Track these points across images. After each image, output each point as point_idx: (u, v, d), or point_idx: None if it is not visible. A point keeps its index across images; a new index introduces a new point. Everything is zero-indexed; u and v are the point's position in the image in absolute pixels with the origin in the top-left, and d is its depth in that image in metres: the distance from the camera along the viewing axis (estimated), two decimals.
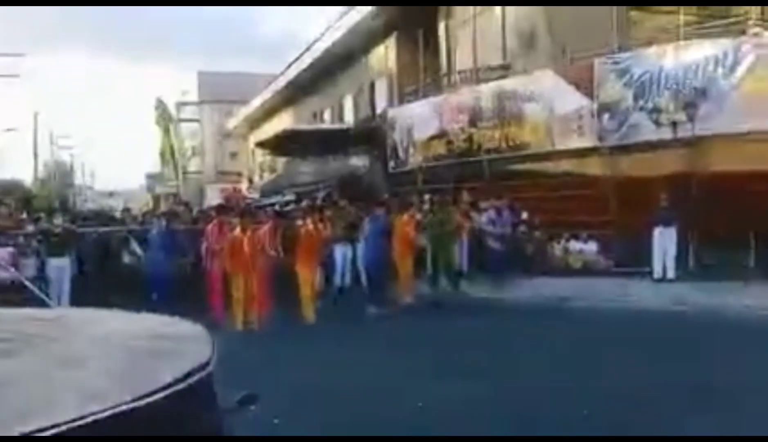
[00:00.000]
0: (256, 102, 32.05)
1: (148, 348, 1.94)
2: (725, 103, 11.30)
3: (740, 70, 11.28)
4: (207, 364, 1.85)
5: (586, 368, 6.02)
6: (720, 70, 11.49)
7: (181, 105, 45.51)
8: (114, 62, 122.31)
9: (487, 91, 15.58)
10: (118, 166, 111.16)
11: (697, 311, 8.74)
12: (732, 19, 12.61)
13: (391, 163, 18.43)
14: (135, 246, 10.37)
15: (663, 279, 10.97)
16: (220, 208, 10.16)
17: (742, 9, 12.80)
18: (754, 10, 12.34)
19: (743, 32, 11.55)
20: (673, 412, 4.60)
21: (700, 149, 11.36)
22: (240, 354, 6.85)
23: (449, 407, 4.87)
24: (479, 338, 7.60)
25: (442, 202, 11.59)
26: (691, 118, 11.32)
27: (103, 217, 15.16)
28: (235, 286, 8.40)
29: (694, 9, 13.57)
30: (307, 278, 9.12)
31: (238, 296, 8.39)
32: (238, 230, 8.61)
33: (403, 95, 19.02)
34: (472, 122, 15.91)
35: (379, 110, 20.95)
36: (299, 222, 11.53)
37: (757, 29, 11.45)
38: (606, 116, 13.00)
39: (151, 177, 46.43)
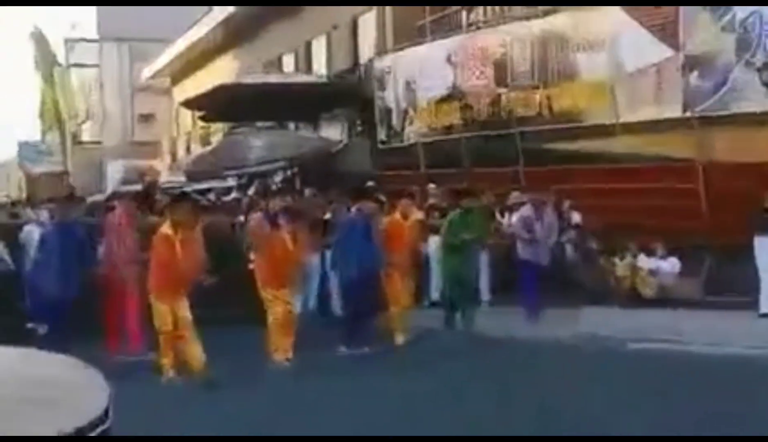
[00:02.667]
0: (183, 42, 32.00)
1: (28, 397, 2.06)
2: None
3: None
4: (102, 419, 1.98)
5: None
6: None
7: (71, 43, 45.32)
8: None
9: (523, 33, 15.68)
10: None
11: None
12: None
13: (381, 136, 18.48)
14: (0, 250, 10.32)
15: None
16: (138, 197, 10.13)
17: None
18: None
19: None
20: None
21: None
22: (157, 409, 6.93)
23: None
24: (492, 399, 7.57)
25: (464, 195, 11.62)
26: None
27: None
28: (159, 315, 8.26)
29: None
30: (276, 301, 9.13)
31: (166, 328, 8.26)
32: (167, 229, 8.31)
33: (399, 36, 19.08)
34: (501, 79, 16.00)
35: (364, 59, 20.98)
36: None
37: None
38: (696, 74, 13.15)
39: (26, 147, 46.12)
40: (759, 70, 12.28)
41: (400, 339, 10.25)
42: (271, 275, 9.22)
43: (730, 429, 6.39)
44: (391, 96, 18.29)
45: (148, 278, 8.54)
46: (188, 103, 24.19)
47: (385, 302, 10.50)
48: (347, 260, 9.84)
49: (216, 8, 27.95)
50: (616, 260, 13.00)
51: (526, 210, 11.95)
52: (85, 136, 46.28)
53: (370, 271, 9.89)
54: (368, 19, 21.36)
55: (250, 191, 17.71)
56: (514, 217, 13.06)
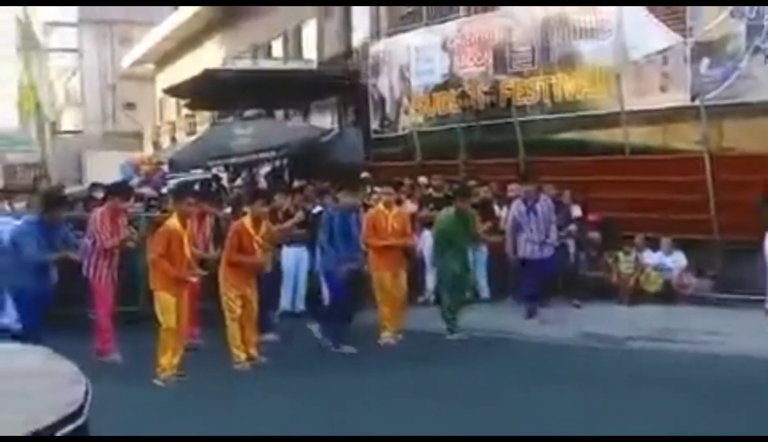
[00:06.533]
0: (167, 26, 31.94)
1: (4, 389, 2.16)
2: None
3: None
4: (79, 413, 2.01)
5: None
6: None
7: (50, 26, 45.22)
8: None
9: (523, 17, 15.76)
10: None
11: None
12: None
13: (375, 125, 18.53)
14: None
15: None
16: (117, 190, 10.10)
17: None
18: None
19: None
20: None
21: None
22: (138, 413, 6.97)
23: None
24: (495, 401, 7.63)
25: (460, 188, 11.59)
26: None
27: None
28: (165, 309, 8.40)
29: None
30: (235, 300, 9.12)
31: (172, 323, 8.39)
32: (174, 223, 8.64)
33: (394, 20, 19.12)
34: (500, 65, 16.06)
35: (357, 43, 20.98)
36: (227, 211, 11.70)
37: None
38: (705, 62, 13.25)
39: (2, 136, 45.99)
40: None
41: (388, 338, 10.23)
42: (234, 269, 9.19)
43: (735, 430, 6.42)
44: (384, 83, 18.31)
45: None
46: (173, 91, 24.04)
47: (373, 299, 10.49)
48: (329, 256, 9.82)
49: None
50: (620, 255, 13.00)
51: (516, 206, 11.82)
52: (65, 125, 46.19)
53: (352, 267, 9.85)
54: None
55: (237, 182, 17.69)
56: (513, 211, 13.08)
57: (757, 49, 12.60)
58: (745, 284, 11.93)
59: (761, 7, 12.59)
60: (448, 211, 10.98)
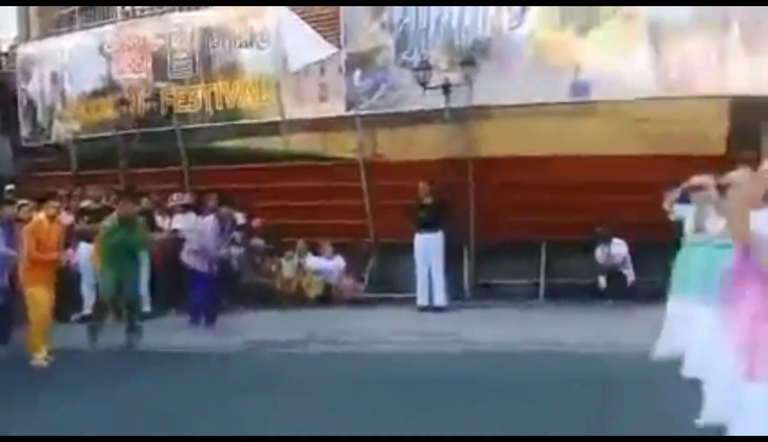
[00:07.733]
0: None
1: None
2: (513, 61, 12.69)
3: (531, 19, 12.75)
4: None
5: None
6: (506, 15, 12.87)
7: None
8: None
9: (183, 24, 15.61)
10: None
11: (471, 350, 9.54)
12: None
13: (25, 133, 17.47)
14: None
15: (429, 307, 11.91)
16: None
17: None
18: None
19: None
20: None
21: (478, 124, 12.62)
22: None
23: None
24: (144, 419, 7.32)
25: (122, 198, 11.17)
26: (468, 81, 12.47)
27: None
28: None
29: None
30: None
31: None
32: None
33: (47, 23, 18.28)
34: (160, 73, 15.79)
35: (4, 46, 19.77)
36: None
37: None
38: (358, 73, 13.86)
39: None
40: (416, 69, 13.10)
41: (41, 357, 9.62)
42: None
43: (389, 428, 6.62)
44: (36, 89, 17.27)
45: None
46: None
47: (24, 318, 9.82)
48: None
49: None
50: (283, 261, 13.28)
51: (211, 222, 11.66)
52: None
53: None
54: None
55: None
56: (177, 222, 12.94)
57: (404, 63, 13.39)
58: (399, 283, 12.70)
59: (408, 22, 13.39)
60: (112, 219, 10.62)
